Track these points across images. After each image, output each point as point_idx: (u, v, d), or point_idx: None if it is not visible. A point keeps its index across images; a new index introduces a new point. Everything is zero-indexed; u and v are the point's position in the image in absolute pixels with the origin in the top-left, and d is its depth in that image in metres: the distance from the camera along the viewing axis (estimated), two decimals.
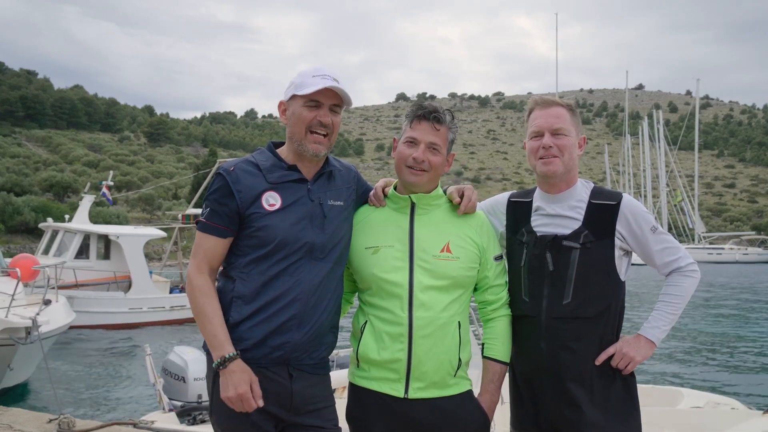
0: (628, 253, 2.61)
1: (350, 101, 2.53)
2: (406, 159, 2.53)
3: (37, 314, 10.26)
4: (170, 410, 5.40)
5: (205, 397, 5.41)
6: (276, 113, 2.72)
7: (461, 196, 2.63)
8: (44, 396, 11.25)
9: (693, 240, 66.56)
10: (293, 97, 2.49)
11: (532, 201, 2.71)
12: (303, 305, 2.41)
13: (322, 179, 2.55)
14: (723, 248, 60.94)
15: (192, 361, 5.79)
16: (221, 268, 2.51)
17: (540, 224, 2.63)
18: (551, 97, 2.69)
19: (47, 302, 11.74)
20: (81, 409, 10.28)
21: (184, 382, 5.70)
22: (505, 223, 2.76)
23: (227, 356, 2.33)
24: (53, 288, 12.84)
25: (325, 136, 2.49)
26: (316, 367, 2.51)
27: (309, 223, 2.46)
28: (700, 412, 4.52)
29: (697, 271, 2.63)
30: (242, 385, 2.31)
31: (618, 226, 2.54)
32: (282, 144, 2.60)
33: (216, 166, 24.32)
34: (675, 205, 70.36)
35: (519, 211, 2.72)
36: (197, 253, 2.45)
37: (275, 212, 2.40)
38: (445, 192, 2.68)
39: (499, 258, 2.65)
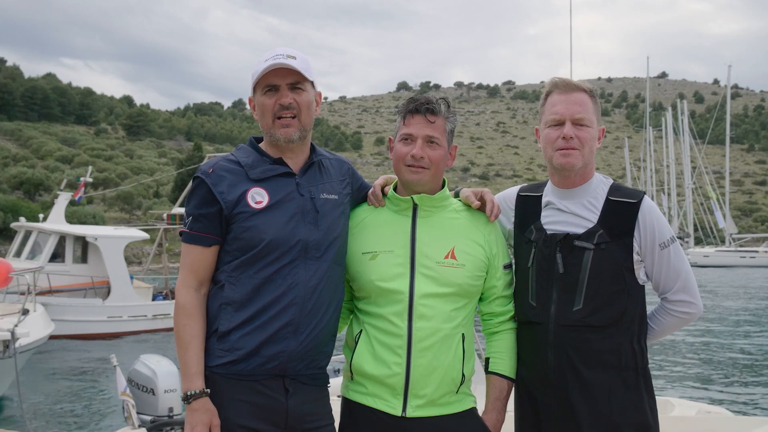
0: None
1: (309, 74, 2.49)
2: (404, 157, 2.51)
3: (16, 326, 10.16)
4: (139, 426, 5.45)
5: (177, 410, 5.48)
6: None
7: (479, 200, 2.61)
8: (10, 413, 11.25)
9: (723, 242, 66.28)
10: (254, 88, 2.51)
11: (542, 196, 2.68)
12: (299, 310, 2.40)
13: (311, 171, 2.55)
14: (757, 251, 60.57)
15: (162, 370, 5.78)
16: None
17: (550, 221, 2.60)
18: (573, 80, 2.60)
19: (25, 312, 11.57)
20: (50, 427, 10.28)
21: (154, 394, 5.69)
22: (513, 219, 2.73)
23: (192, 392, 2.32)
24: (27, 295, 12.81)
25: (293, 117, 2.45)
26: (315, 378, 2.50)
27: (301, 219, 2.45)
28: (694, 418, 4.58)
29: (689, 313, 2.59)
30: (198, 427, 2.30)
31: (636, 228, 2.50)
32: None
33: (205, 161, 24.17)
34: (701, 204, 70.13)
35: (528, 207, 2.69)
36: (183, 266, 2.45)
37: (263, 211, 2.40)
38: (457, 195, 2.67)
39: (508, 267, 2.64)
